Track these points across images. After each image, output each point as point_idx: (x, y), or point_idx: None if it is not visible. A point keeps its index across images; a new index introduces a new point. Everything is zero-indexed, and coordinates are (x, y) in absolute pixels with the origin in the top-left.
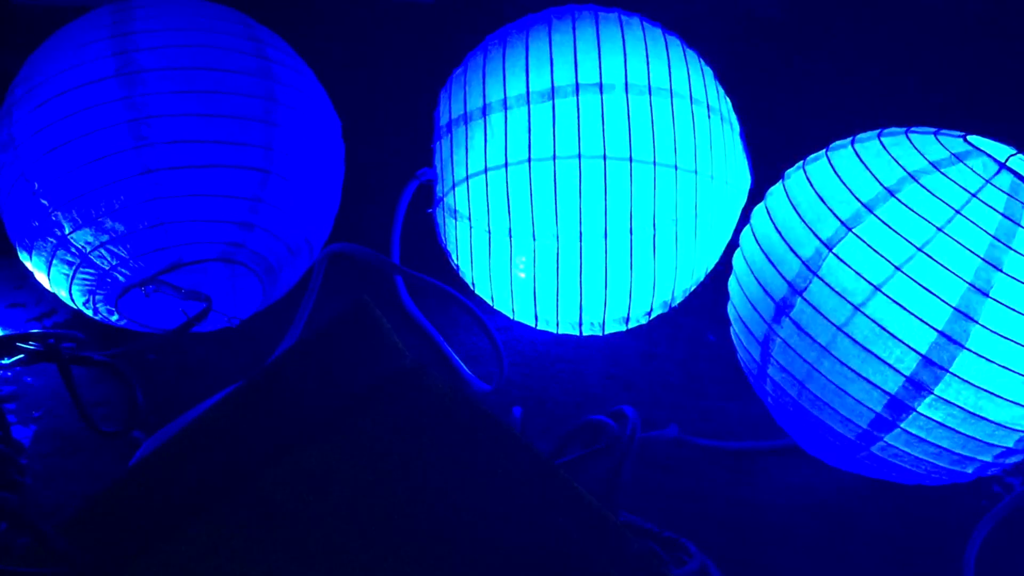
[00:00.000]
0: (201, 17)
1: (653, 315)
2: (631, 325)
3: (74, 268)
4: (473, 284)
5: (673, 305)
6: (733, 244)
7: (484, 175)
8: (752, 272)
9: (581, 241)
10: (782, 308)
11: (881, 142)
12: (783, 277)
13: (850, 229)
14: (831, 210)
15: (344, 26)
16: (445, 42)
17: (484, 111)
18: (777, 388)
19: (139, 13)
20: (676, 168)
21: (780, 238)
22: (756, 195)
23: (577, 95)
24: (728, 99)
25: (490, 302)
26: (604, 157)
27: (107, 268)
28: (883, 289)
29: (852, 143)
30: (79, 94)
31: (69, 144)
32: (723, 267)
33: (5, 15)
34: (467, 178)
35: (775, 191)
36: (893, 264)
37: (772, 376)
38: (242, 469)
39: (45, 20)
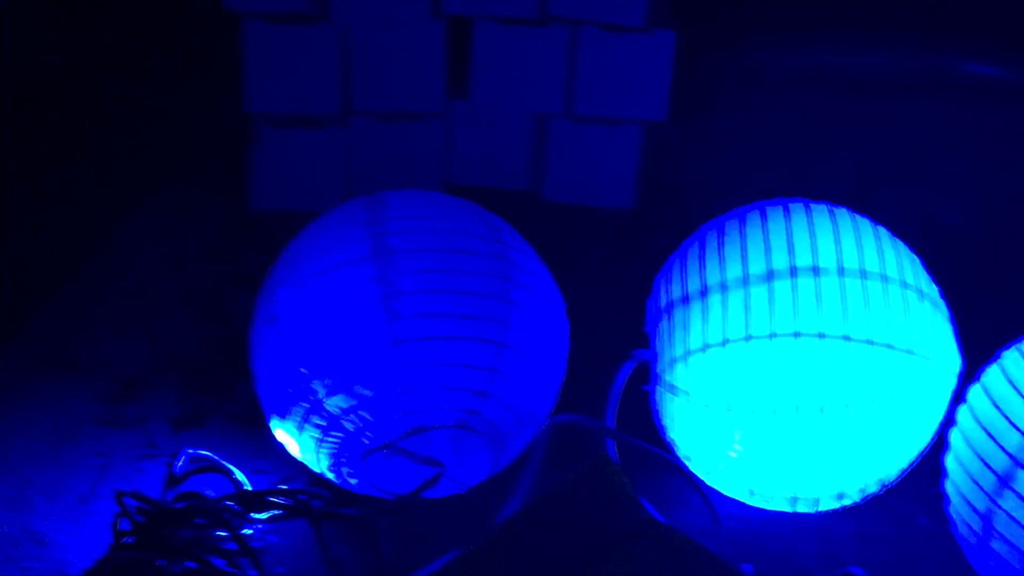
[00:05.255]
0: (445, 206)
1: (867, 493)
2: (845, 503)
3: (323, 431)
4: (688, 458)
5: (888, 484)
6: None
7: (703, 352)
8: (971, 447)
9: (797, 417)
10: (1004, 481)
11: None
12: (1004, 451)
13: None
14: None
15: (558, 228)
16: (646, 240)
17: (703, 293)
18: (1001, 562)
19: (393, 202)
20: (890, 347)
21: (1000, 413)
22: (965, 377)
23: (793, 277)
24: (935, 285)
25: (704, 477)
26: (821, 336)
27: (353, 431)
28: None
29: None
30: (337, 273)
31: (328, 318)
32: (930, 453)
33: (244, 221)
34: (686, 355)
35: (991, 370)
36: None
37: (996, 549)
38: None
39: (280, 224)
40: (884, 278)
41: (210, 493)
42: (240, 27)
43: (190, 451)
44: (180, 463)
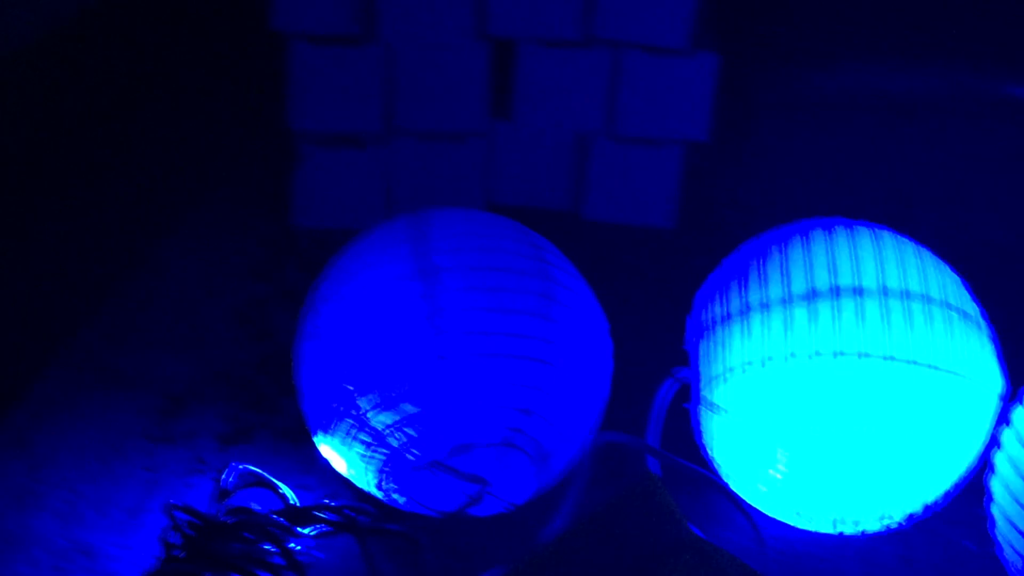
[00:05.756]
0: (489, 224)
1: (912, 515)
2: (890, 524)
3: (368, 448)
4: (729, 478)
5: (931, 506)
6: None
7: (744, 371)
8: (1016, 469)
9: (840, 437)
10: None
11: None
12: None
13: None
14: None
15: (599, 247)
16: (686, 259)
17: (744, 311)
18: None
19: (437, 220)
20: (933, 368)
21: None
22: (1009, 398)
23: (835, 297)
24: (979, 306)
25: (746, 497)
26: (862, 356)
27: (398, 447)
28: None
29: None
30: (382, 290)
31: (372, 334)
32: (976, 475)
33: (288, 238)
34: (727, 373)
35: None
36: None
37: None
38: None
39: (322, 241)
40: (927, 299)
41: (257, 508)
42: (286, 47)
43: (239, 466)
44: (229, 478)
